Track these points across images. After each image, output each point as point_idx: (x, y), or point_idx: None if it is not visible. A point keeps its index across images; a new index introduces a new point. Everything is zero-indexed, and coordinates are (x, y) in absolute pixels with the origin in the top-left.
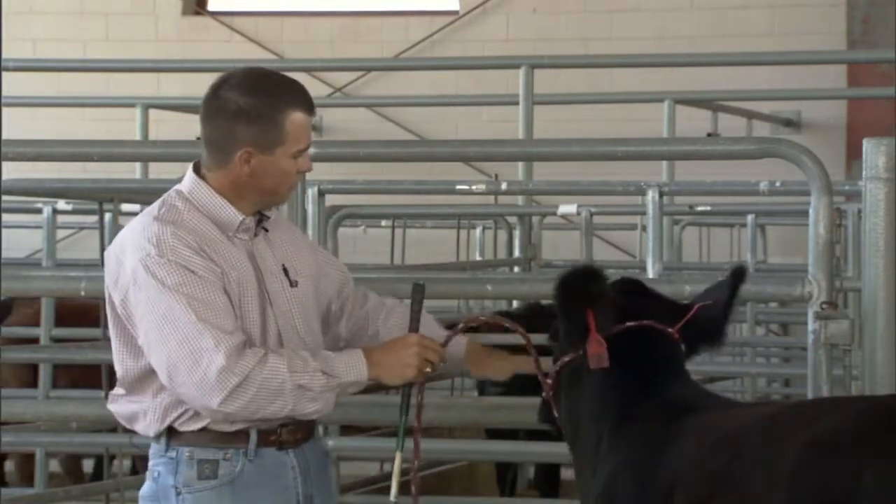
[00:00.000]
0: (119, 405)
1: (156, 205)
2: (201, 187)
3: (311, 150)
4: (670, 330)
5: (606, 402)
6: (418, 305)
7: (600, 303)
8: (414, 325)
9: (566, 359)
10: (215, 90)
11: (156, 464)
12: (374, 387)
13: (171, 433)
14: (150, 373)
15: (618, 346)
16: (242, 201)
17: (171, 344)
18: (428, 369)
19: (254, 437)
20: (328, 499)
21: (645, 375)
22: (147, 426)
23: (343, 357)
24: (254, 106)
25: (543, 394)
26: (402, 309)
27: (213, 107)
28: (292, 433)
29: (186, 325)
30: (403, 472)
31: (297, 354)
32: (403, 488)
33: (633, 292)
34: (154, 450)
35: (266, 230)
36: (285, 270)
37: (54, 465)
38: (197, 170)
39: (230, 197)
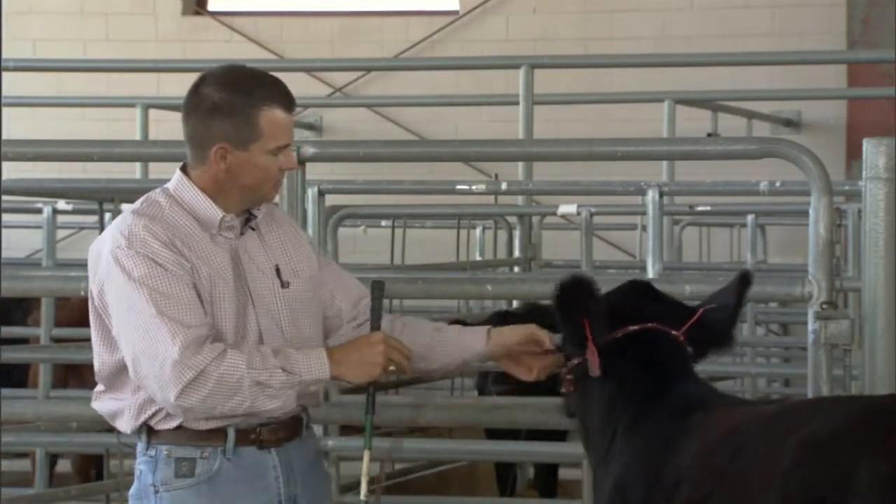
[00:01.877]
0: (101, 402)
1: (139, 200)
2: (185, 185)
3: (311, 151)
4: (675, 332)
5: (618, 404)
6: (378, 303)
7: (594, 312)
8: (376, 323)
9: (576, 361)
10: (195, 88)
11: (139, 462)
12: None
13: (151, 432)
14: (125, 367)
15: (626, 348)
16: (226, 199)
17: (134, 337)
18: (392, 368)
19: (231, 435)
20: (317, 500)
21: (655, 376)
22: (125, 423)
23: (305, 355)
24: (227, 102)
25: (563, 389)
26: (414, 320)
27: (192, 104)
28: (273, 432)
29: (147, 318)
30: (405, 472)
31: (257, 350)
32: (398, 488)
33: (641, 295)
34: (138, 449)
35: (253, 229)
36: (278, 271)
37: (62, 465)
38: (185, 169)
39: (213, 194)
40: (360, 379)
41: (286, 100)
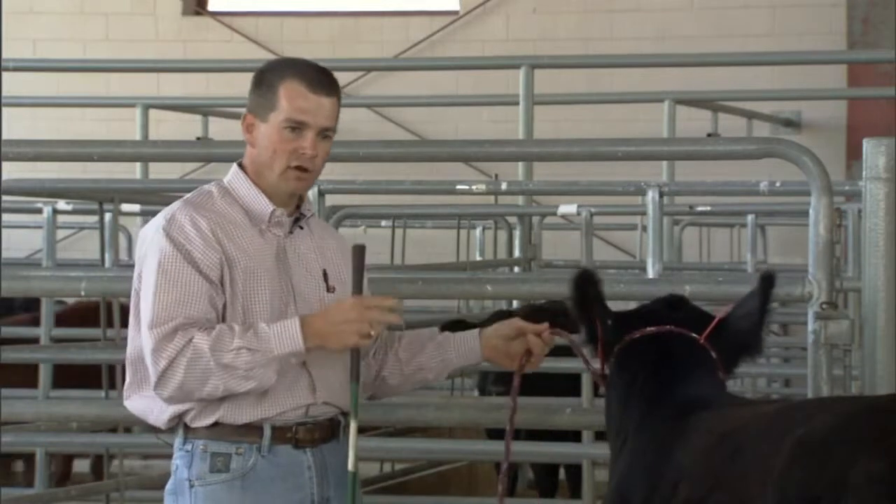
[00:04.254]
0: (132, 401)
1: (195, 190)
2: (239, 177)
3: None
4: (694, 336)
5: (629, 404)
6: (359, 264)
7: (601, 310)
8: (356, 289)
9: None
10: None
11: (175, 458)
12: None
13: (187, 427)
14: None
15: (641, 348)
16: (265, 185)
17: (142, 325)
18: (372, 331)
19: (267, 432)
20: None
21: (663, 376)
22: (156, 418)
23: (278, 328)
24: (261, 74)
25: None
26: (413, 332)
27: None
28: (309, 432)
29: (149, 307)
30: (405, 472)
31: (229, 330)
32: (398, 488)
33: (670, 304)
34: (175, 444)
35: (301, 228)
36: (325, 275)
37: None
38: (242, 166)
39: (257, 180)
40: (338, 346)
41: (315, 78)
